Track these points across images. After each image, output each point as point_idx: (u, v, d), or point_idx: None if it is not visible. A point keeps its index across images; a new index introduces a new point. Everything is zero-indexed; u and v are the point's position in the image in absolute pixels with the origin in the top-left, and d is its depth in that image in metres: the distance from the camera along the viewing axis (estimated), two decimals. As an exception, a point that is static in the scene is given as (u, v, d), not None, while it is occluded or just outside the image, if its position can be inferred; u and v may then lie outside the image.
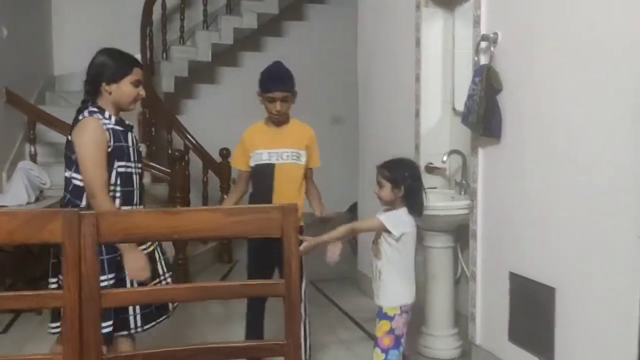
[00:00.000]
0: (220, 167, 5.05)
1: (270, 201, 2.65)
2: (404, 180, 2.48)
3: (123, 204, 2.25)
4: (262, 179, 2.74)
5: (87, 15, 5.64)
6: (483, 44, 2.80)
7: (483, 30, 2.82)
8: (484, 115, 2.70)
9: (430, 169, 3.51)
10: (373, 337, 2.70)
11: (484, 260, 2.91)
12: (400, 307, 2.49)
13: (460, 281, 3.26)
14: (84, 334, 1.23)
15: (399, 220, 2.48)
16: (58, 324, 2.23)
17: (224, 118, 5.71)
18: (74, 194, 2.23)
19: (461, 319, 3.15)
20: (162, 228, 1.35)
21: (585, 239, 2.28)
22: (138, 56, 5.10)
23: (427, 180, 3.49)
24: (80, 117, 2.24)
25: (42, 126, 4.63)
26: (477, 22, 2.86)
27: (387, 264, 2.49)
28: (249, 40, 6.11)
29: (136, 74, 2.29)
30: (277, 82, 2.68)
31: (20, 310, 3.53)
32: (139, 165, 2.35)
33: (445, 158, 3.30)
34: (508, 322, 2.70)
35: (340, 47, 5.77)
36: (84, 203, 2.21)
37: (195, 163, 5.08)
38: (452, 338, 3.12)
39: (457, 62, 3.46)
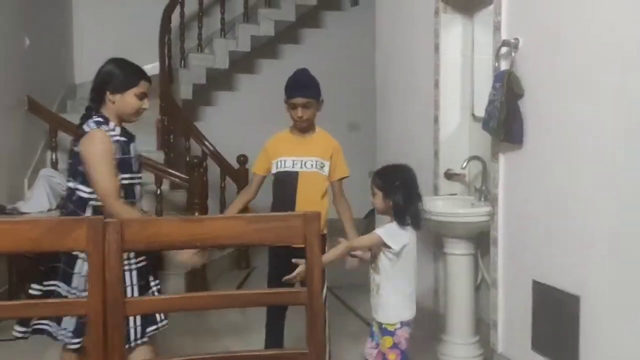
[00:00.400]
0: (237, 173, 5.06)
1: (292, 210, 2.62)
2: (394, 189, 2.36)
3: None
4: (284, 187, 2.73)
5: (107, 24, 5.69)
6: (504, 50, 2.78)
7: (504, 35, 2.80)
8: (504, 120, 2.68)
9: (450, 176, 3.48)
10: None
11: (505, 267, 2.88)
12: (400, 321, 2.39)
13: (481, 288, 3.22)
14: (108, 342, 1.24)
15: (397, 233, 2.35)
16: (24, 329, 2.23)
17: (241, 125, 5.73)
18: (77, 204, 2.22)
19: (482, 327, 3.11)
20: (184, 235, 1.36)
21: (610, 245, 2.24)
22: (156, 64, 5.21)
23: (447, 186, 3.48)
24: (86, 127, 2.23)
25: (64, 134, 4.68)
26: (497, 28, 2.84)
27: (385, 279, 2.38)
28: (266, 48, 6.13)
29: (142, 86, 2.26)
30: (299, 88, 2.71)
31: (45, 318, 3.54)
32: (140, 175, 2.35)
33: (464, 164, 3.27)
34: (531, 330, 2.67)
35: (357, 54, 5.75)
36: (87, 214, 2.19)
37: (213, 169, 5.09)
38: (473, 346, 3.08)
39: (477, 67, 3.44)
